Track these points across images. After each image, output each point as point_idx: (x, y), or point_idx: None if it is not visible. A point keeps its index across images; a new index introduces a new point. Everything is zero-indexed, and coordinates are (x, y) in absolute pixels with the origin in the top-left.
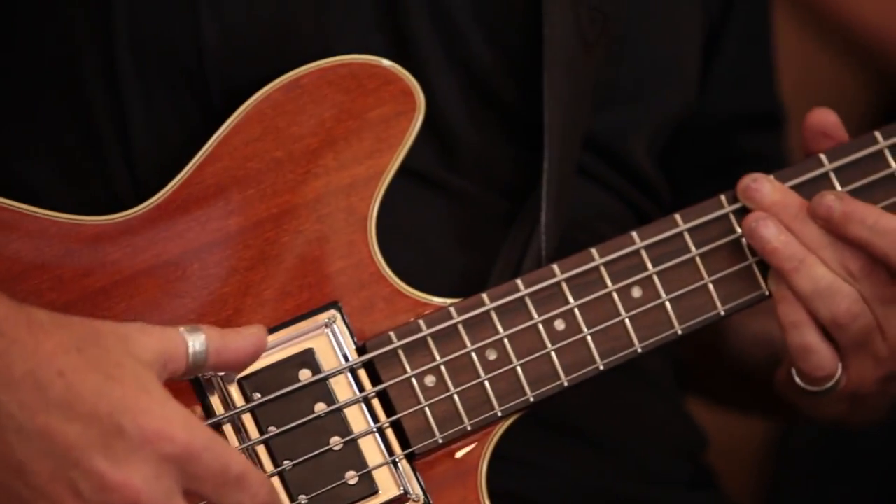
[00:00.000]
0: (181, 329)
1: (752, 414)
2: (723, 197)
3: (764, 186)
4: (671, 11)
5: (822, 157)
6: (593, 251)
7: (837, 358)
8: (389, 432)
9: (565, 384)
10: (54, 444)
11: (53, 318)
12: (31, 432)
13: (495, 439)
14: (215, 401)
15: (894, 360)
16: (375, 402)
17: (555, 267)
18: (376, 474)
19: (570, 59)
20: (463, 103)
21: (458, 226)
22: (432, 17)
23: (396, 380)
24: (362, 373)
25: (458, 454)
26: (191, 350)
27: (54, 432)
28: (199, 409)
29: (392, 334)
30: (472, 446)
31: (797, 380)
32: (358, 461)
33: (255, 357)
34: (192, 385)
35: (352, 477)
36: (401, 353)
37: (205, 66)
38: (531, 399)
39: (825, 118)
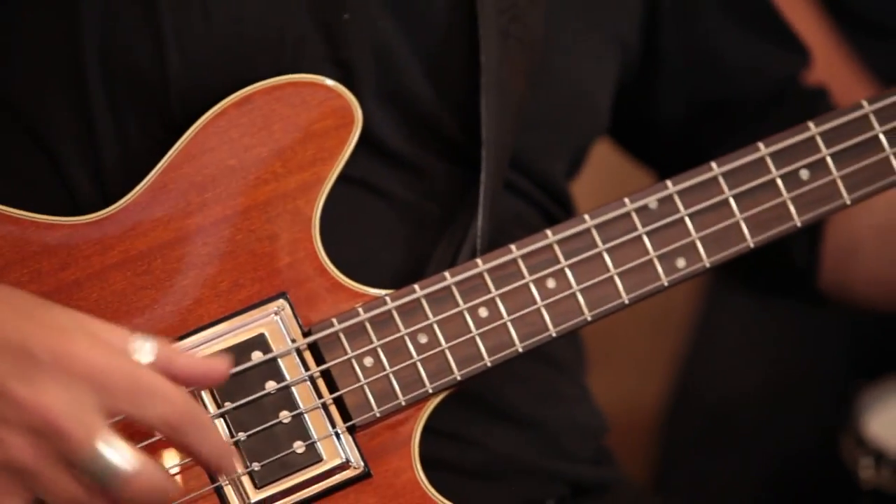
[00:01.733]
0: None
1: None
2: (626, 199)
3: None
4: (583, 48)
5: (712, 163)
6: (512, 246)
7: None
8: (332, 408)
9: (489, 364)
10: None
11: (3, 286)
12: None
13: (426, 414)
14: None
15: None
16: (320, 381)
17: (478, 260)
18: (321, 444)
19: (502, 83)
20: (402, 124)
21: (395, 228)
22: (375, 51)
23: (338, 360)
24: (308, 355)
25: (394, 427)
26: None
27: None
28: None
29: (334, 320)
30: (407, 420)
31: None
32: (305, 433)
33: (205, 377)
34: None
35: (300, 447)
36: (342, 336)
37: (169, 92)
38: (458, 378)
39: None
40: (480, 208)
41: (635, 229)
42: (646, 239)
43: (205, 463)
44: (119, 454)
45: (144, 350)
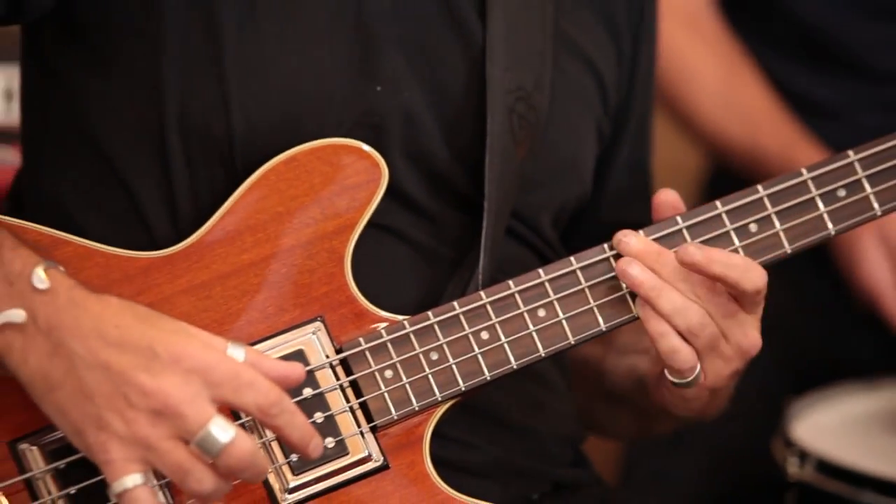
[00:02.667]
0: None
1: (617, 431)
2: (605, 245)
3: (632, 239)
4: (574, 126)
5: (678, 218)
6: (510, 282)
7: (696, 356)
8: (358, 411)
9: (488, 378)
10: (111, 371)
11: (121, 300)
12: (95, 365)
13: (436, 418)
14: None
15: (738, 359)
16: (348, 389)
17: (482, 293)
18: (348, 441)
19: (504, 149)
20: (422, 179)
21: (414, 265)
22: (402, 118)
23: (363, 372)
24: (339, 367)
25: (409, 428)
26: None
27: (111, 363)
28: None
29: (361, 339)
30: (420, 423)
31: (668, 376)
32: (335, 431)
33: (286, 378)
34: None
35: (330, 442)
36: (367, 353)
37: (234, 150)
38: (462, 388)
39: (670, 196)
40: (482, 250)
41: (612, 271)
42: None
43: (293, 442)
44: (224, 432)
45: (238, 352)
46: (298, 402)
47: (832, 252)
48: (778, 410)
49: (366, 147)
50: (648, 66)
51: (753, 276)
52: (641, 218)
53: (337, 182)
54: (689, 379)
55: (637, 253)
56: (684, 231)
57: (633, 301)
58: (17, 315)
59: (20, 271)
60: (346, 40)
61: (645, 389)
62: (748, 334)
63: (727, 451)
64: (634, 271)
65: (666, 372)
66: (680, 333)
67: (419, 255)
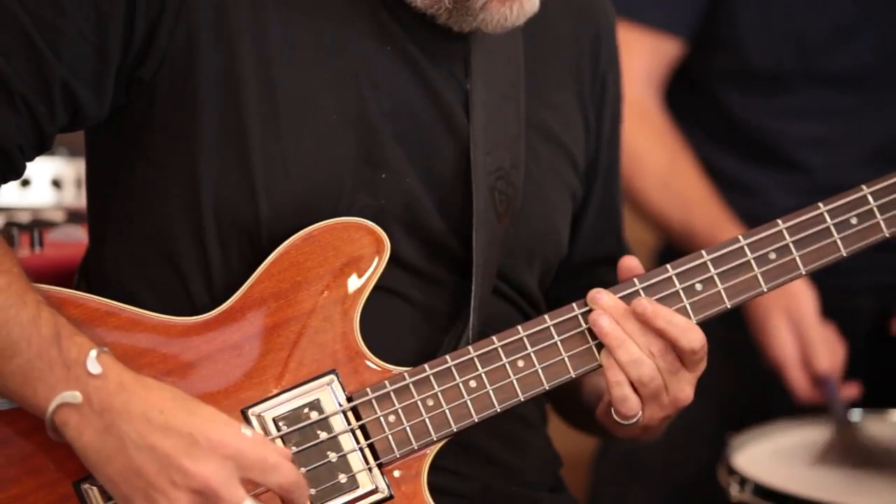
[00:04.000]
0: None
1: (584, 430)
2: (574, 304)
3: (604, 296)
4: (548, 198)
5: (635, 279)
6: (494, 338)
7: (641, 404)
8: (366, 450)
9: (476, 420)
10: (157, 453)
11: (159, 383)
12: (143, 446)
13: (433, 454)
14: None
15: (671, 408)
16: (358, 432)
17: (470, 347)
18: (358, 476)
19: (488, 221)
20: (420, 248)
21: (413, 323)
22: (403, 199)
23: (370, 418)
24: (350, 414)
25: (410, 464)
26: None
27: (157, 446)
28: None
29: (368, 389)
30: (419, 459)
31: (615, 416)
32: (347, 468)
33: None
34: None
35: (343, 477)
36: (373, 401)
37: (260, 230)
38: (455, 430)
39: (632, 262)
40: (472, 310)
41: (580, 326)
42: (587, 334)
43: None
44: None
45: (248, 433)
46: (315, 445)
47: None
48: (722, 445)
49: (371, 224)
50: (613, 126)
51: (692, 336)
52: (612, 252)
53: (347, 254)
54: (631, 422)
55: (607, 308)
56: (640, 291)
57: (598, 352)
58: (74, 397)
59: (76, 358)
60: (354, 137)
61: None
62: (684, 390)
63: (681, 478)
64: (604, 322)
65: (613, 412)
66: (631, 382)
67: (418, 313)
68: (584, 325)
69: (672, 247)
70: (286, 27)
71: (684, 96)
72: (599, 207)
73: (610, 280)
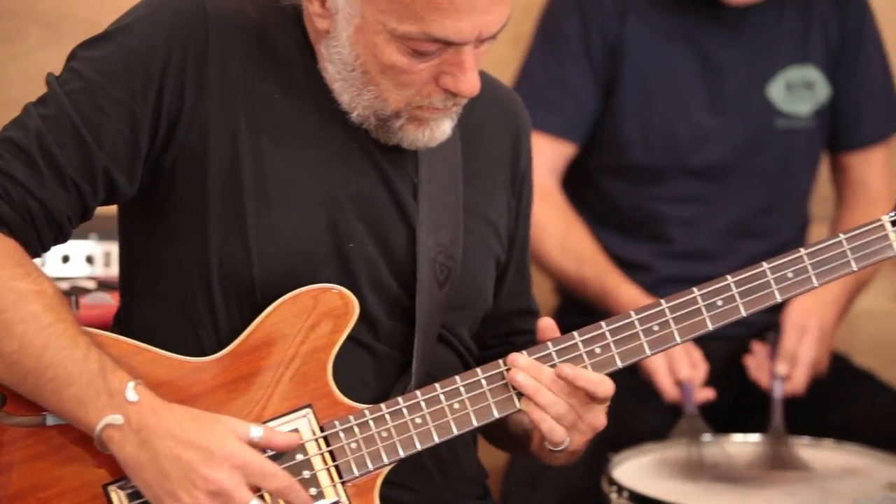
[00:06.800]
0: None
1: (505, 449)
2: (500, 361)
3: (520, 357)
4: (479, 266)
5: (549, 343)
6: (437, 385)
7: (566, 433)
8: (332, 470)
9: (419, 449)
10: (182, 462)
11: (181, 406)
12: (171, 457)
13: (385, 472)
14: None
15: (590, 433)
16: (327, 455)
17: (418, 392)
18: (325, 490)
19: (430, 288)
20: (381, 304)
21: (373, 367)
22: (366, 264)
23: (337, 445)
24: (321, 440)
25: (367, 480)
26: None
27: (181, 456)
28: None
29: (336, 422)
30: (375, 476)
31: (548, 446)
32: (317, 483)
33: (291, 445)
34: None
35: (313, 490)
36: (341, 432)
37: (255, 289)
38: (403, 456)
39: (549, 322)
40: (414, 360)
41: (504, 379)
42: (509, 385)
43: None
44: None
45: (257, 431)
46: (293, 464)
47: None
48: (605, 460)
49: (344, 290)
50: (527, 207)
51: (604, 387)
52: (525, 305)
53: (324, 312)
54: (561, 448)
55: (523, 367)
56: (553, 353)
57: (518, 399)
58: (117, 419)
59: (118, 388)
60: (327, 215)
61: (527, 438)
62: (598, 417)
63: (571, 485)
64: (521, 377)
65: (545, 442)
66: (553, 418)
67: (376, 359)
68: (507, 379)
69: (565, 305)
70: (277, 128)
71: (579, 189)
72: (516, 270)
73: (523, 328)
